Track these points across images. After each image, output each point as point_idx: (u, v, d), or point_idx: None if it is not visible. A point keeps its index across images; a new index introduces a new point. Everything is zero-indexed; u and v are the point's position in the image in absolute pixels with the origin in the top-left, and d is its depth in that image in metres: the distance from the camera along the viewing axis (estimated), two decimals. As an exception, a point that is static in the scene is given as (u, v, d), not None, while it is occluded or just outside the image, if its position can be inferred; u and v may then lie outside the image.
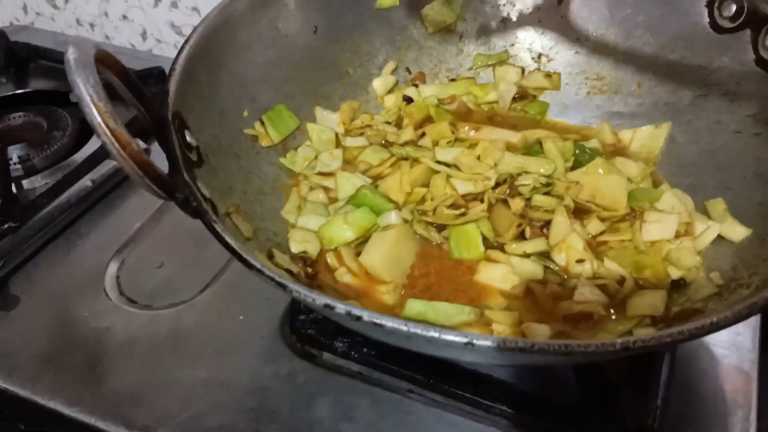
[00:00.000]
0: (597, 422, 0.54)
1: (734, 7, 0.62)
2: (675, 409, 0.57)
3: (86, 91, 0.40)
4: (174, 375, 0.59)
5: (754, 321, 0.64)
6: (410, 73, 0.75)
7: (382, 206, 0.62)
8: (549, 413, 0.55)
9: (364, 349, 0.59)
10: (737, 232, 0.57)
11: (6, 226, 0.70)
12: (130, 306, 0.65)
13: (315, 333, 0.60)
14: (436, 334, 0.39)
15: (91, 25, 1.15)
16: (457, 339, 0.38)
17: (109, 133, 0.41)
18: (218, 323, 0.63)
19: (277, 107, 0.65)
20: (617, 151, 0.69)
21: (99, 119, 0.41)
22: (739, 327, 0.63)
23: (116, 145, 0.41)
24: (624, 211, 0.61)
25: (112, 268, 0.69)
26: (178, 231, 0.72)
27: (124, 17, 1.11)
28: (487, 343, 0.38)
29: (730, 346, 0.62)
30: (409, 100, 0.74)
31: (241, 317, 0.63)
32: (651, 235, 0.59)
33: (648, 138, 0.67)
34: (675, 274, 0.56)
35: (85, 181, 0.75)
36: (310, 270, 0.58)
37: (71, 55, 0.42)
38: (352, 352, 0.59)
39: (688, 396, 0.59)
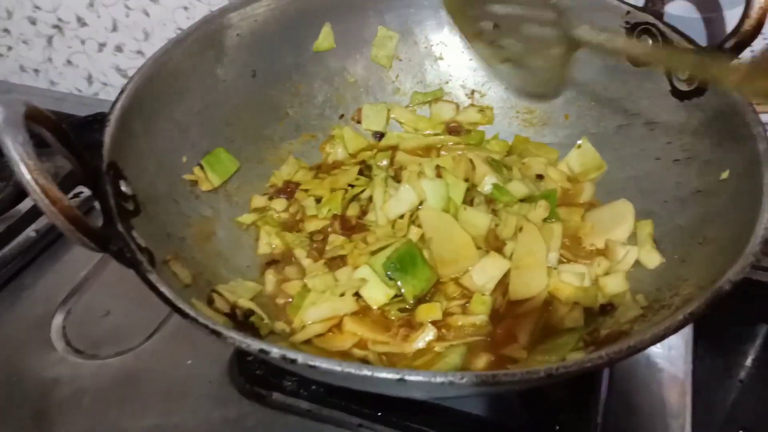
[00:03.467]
0: (539, 444, 0.56)
1: (650, 42, 0.66)
2: (615, 424, 0.60)
3: (15, 150, 0.41)
4: (122, 425, 0.59)
5: (687, 334, 0.68)
6: (343, 118, 0.77)
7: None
8: (495, 438, 0.57)
9: (313, 386, 0.60)
10: (652, 259, 0.60)
11: (-53, 280, 0.69)
12: (76, 356, 0.65)
13: (263, 373, 0.61)
14: (369, 373, 0.40)
15: (36, 71, 1.14)
16: (389, 376, 0.40)
17: (39, 191, 0.41)
18: (166, 369, 0.63)
19: (215, 151, 0.67)
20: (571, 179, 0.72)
21: (29, 177, 0.41)
22: (673, 341, 0.67)
23: (47, 201, 0.41)
24: None
25: (58, 318, 0.69)
26: (123, 278, 0.70)
27: (69, 62, 1.11)
28: (418, 378, 0.40)
29: (665, 359, 0.65)
30: (380, 136, 0.77)
31: (189, 362, 0.64)
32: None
33: (580, 157, 0.71)
34: (602, 299, 0.59)
35: (29, 232, 0.75)
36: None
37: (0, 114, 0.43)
38: (301, 390, 0.60)
39: (627, 410, 0.61)
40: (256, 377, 0.61)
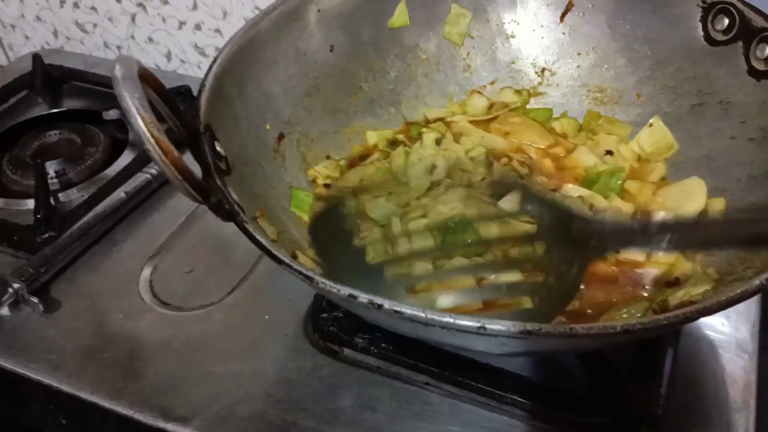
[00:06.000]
0: (603, 409, 0.58)
1: (726, 21, 0.66)
2: (678, 399, 0.60)
3: (132, 103, 0.45)
4: (206, 369, 0.63)
5: (754, 315, 0.67)
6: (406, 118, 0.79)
7: None
8: (558, 401, 0.59)
9: (383, 345, 0.63)
10: None
11: (46, 235, 0.75)
12: (163, 308, 0.70)
13: (336, 330, 0.64)
14: (450, 320, 0.42)
15: (118, 48, 1.21)
16: (470, 323, 0.42)
17: (153, 141, 0.45)
18: (245, 322, 0.67)
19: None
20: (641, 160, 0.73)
21: (144, 128, 0.45)
22: (739, 322, 0.67)
23: (159, 151, 0.45)
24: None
25: (146, 272, 0.74)
26: (206, 238, 0.77)
27: (150, 39, 1.17)
28: (498, 327, 0.42)
29: (729, 341, 0.66)
30: None
31: (267, 317, 0.68)
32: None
33: (651, 137, 0.71)
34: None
35: (119, 193, 0.80)
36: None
37: (118, 71, 0.46)
38: (372, 348, 0.63)
39: (690, 387, 0.62)
40: (330, 333, 0.64)
